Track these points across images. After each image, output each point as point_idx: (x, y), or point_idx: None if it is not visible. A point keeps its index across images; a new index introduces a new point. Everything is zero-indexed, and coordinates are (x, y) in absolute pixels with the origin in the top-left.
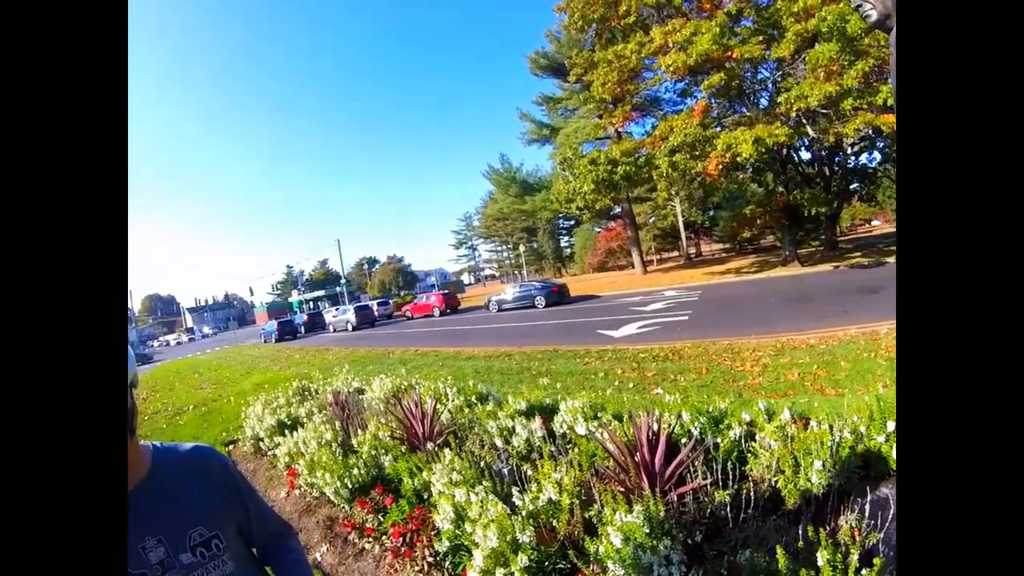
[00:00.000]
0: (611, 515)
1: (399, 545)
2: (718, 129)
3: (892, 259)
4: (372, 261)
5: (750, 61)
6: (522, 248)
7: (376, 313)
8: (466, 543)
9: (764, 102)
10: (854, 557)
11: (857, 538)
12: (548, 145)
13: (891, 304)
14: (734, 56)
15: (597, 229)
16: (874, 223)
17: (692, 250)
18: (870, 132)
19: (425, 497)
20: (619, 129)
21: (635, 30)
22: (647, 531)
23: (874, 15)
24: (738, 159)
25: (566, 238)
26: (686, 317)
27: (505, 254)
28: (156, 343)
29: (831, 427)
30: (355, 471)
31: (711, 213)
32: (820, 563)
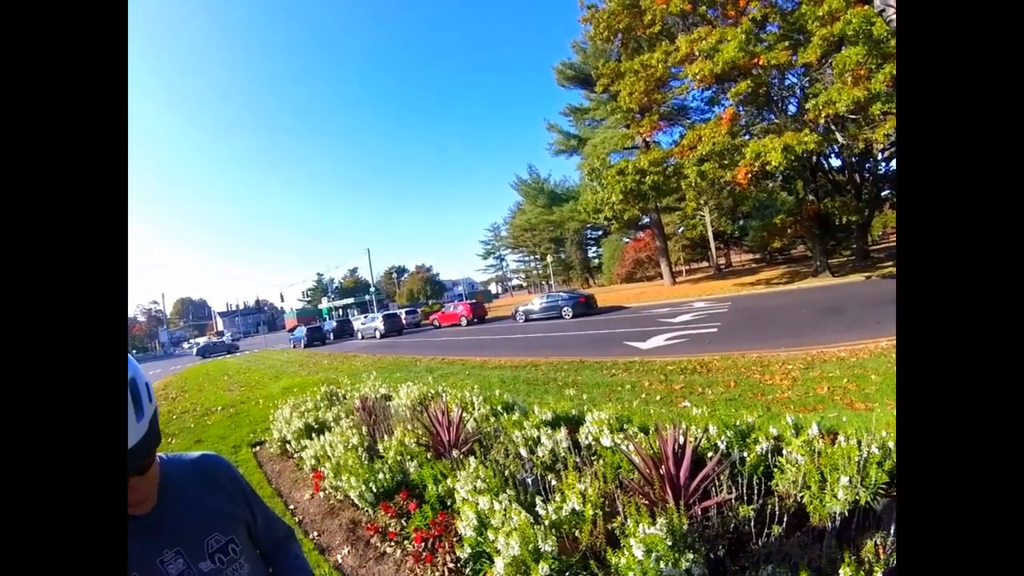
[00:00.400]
0: (634, 527)
1: (420, 550)
2: (746, 137)
3: None
4: (401, 270)
5: (777, 67)
6: (549, 258)
7: (404, 321)
8: (488, 550)
9: (792, 109)
10: (878, 574)
11: (881, 556)
12: (576, 156)
13: None
14: (760, 63)
15: (625, 239)
16: None
17: (722, 260)
18: None
19: (448, 504)
20: (647, 139)
21: (661, 39)
22: (670, 544)
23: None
24: (767, 167)
25: (594, 248)
26: (715, 329)
27: (533, 264)
28: (187, 344)
29: (859, 442)
30: (380, 476)
31: (740, 223)
32: (847, 571)
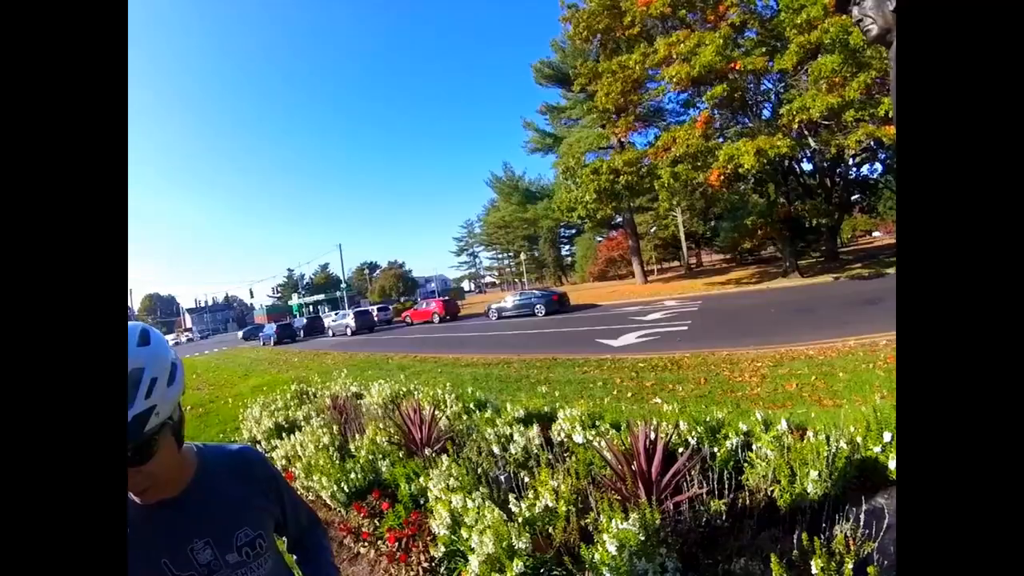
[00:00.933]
0: (607, 523)
1: (395, 550)
2: (720, 140)
3: (892, 270)
4: (373, 266)
5: (753, 72)
6: (523, 256)
7: (376, 318)
8: (462, 549)
9: (767, 113)
10: (848, 566)
11: (852, 547)
12: (551, 154)
13: (890, 315)
14: (737, 67)
15: (598, 238)
16: (875, 234)
17: (693, 260)
18: (871, 144)
19: (422, 503)
20: (622, 139)
21: (639, 41)
22: (643, 539)
23: (874, 30)
24: (740, 170)
25: (567, 247)
26: (685, 327)
27: (506, 262)
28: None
29: (828, 437)
30: (352, 475)
31: (712, 224)
32: (814, 571)
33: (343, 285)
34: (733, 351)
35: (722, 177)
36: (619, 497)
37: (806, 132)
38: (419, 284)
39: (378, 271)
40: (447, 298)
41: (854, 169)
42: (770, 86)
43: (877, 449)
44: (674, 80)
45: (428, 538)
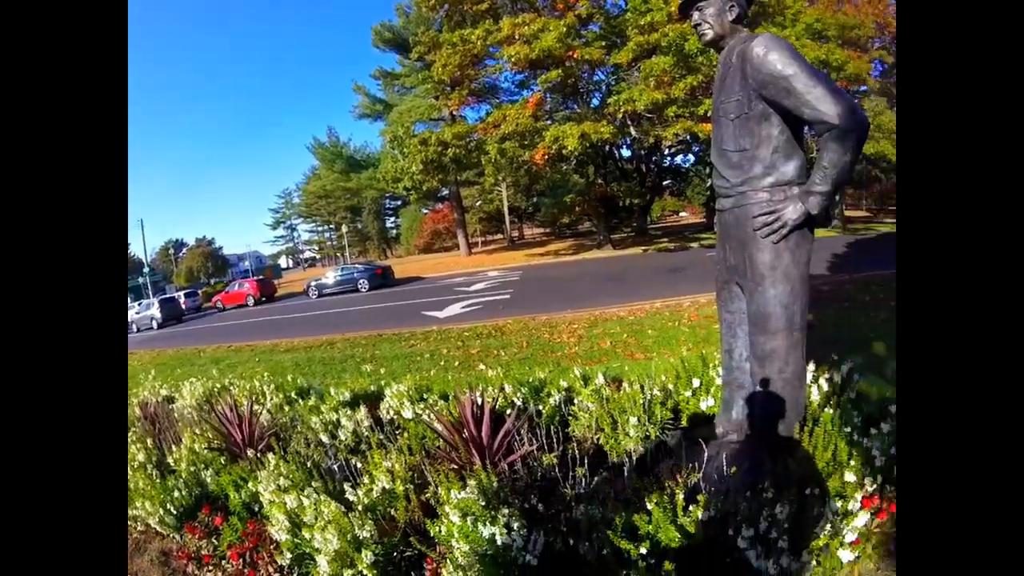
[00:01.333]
0: (446, 494)
1: (241, 568)
2: (549, 122)
3: (695, 244)
4: (179, 244)
5: (589, 63)
6: (345, 228)
7: (184, 306)
8: (308, 551)
9: (595, 102)
10: (680, 496)
11: (679, 479)
12: (380, 121)
13: (692, 281)
14: (575, 56)
15: (424, 210)
16: (682, 214)
17: (515, 233)
18: (688, 137)
19: (256, 510)
20: (454, 112)
21: (486, 17)
22: (483, 504)
23: (710, 34)
24: (564, 151)
25: (392, 219)
26: (508, 296)
27: (327, 235)
28: None
29: (642, 387)
30: (176, 493)
31: (535, 199)
32: (650, 506)
33: (146, 270)
34: (552, 316)
35: (546, 156)
36: (455, 467)
37: (629, 122)
38: (231, 263)
39: (185, 250)
40: (262, 277)
41: (668, 158)
42: (603, 77)
43: (687, 393)
44: (513, 60)
45: (272, 546)
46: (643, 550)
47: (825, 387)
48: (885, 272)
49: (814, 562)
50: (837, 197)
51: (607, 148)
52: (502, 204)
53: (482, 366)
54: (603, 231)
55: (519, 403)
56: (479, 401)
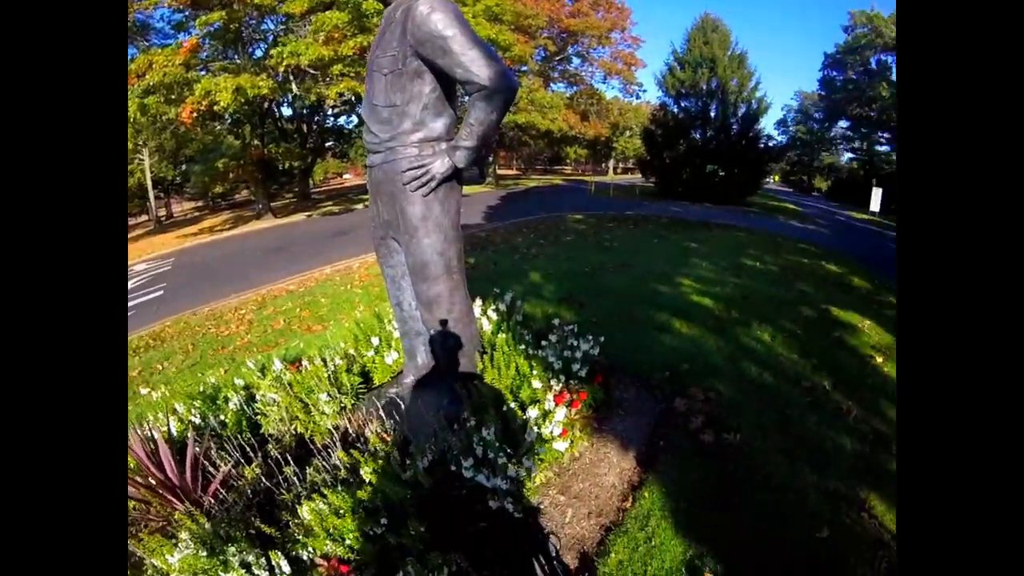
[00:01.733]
0: (164, 562)
1: None
2: (203, 73)
3: (360, 206)
4: None
5: (258, 8)
6: None
7: None
8: None
9: (259, 53)
10: (395, 452)
11: (388, 438)
12: None
13: (360, 242)
14: None
15: None
16: (346, 176)
17: (163, 212)
18: (352, 97)
19: None
20: None
21: None
22: (206, 554)
23: None
24: (216, 108)
25: None
26: (161, 292)
27: None
28: None
29: (324, 360)
30: None
31: (183, 167)
32: (367, 470)
33: None
34: (215, 305)
35: (195, 114)
36: (159, 523)
37: (291, 77)
38: None
39: None
40: None
41: (332, 118)
42: (272, 27)
43: (370, 354)
44: None
45: None
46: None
47: (494, 317)
48: (531, 218)
49: (537, 460)
50: (491, 159)
51: (266, 106)
52: (144, 176)
53: (144, 390)
54: (262, 199)
55: (197, 420)
56: (154, 435)
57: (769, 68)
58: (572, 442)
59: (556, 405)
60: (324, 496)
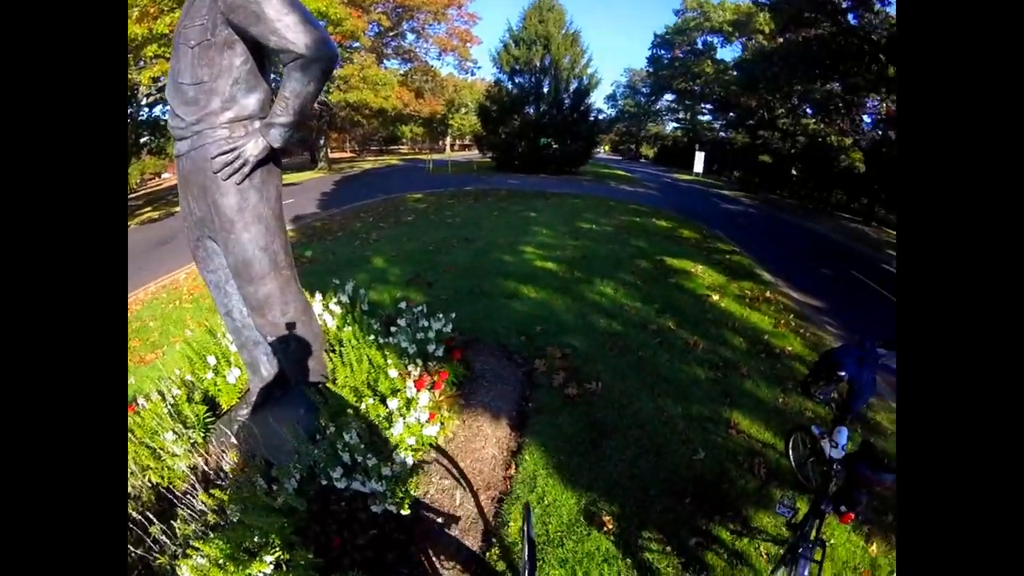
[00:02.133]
0: None
1: None
2: None
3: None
4: None
5: None
6: None
7: None
8: None
9: None
10: (259, 480)
11: (246, 468)
12: None
13: (185, 251)
14: None
15: None
16: (164, 176)
17: None
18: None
19: None
20: None
21: None
22: None
23: None
24: None
25: None
26: None
27: None
28: None
29: (162, 394)
30: None
31: None
32: (233, 509)
33: None
34: None
35: None
36: None
37: None
38: None
39: None
40: None
41: (145, 108)
42: None
43: (210, 376)
44: None
45: None
46: (269, 558)
47: (337, 310)
48: (369, 201)
49: (410, 450)
50: (322, 141)
51: None
52: None
53: None
54: None
55: None
56: None
57: (601, 48)
58: (443, 424)
59: (418, 391)
60: (199, 549)
